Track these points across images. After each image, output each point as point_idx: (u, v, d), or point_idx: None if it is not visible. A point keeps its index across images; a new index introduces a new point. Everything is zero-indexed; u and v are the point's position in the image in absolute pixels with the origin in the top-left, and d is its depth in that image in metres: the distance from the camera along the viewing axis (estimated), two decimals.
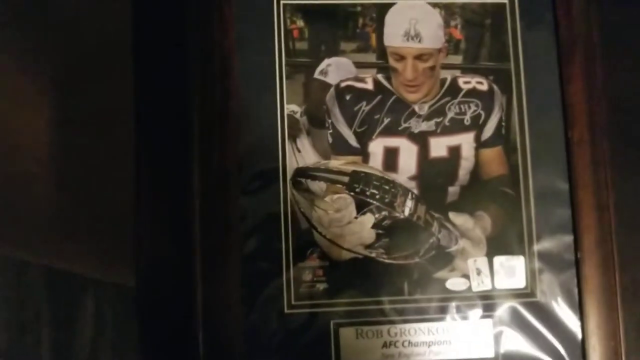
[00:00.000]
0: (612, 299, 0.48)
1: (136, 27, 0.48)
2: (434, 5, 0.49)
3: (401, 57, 0.49)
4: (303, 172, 0.48)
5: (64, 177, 0.52)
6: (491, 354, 0.47)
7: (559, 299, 0.48)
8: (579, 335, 0.47)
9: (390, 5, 0.49)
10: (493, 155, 0.49)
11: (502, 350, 0.47)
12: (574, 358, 0.47)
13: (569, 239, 0.48)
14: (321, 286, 0.46)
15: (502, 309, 0.47)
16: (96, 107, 0.50)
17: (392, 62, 0.49)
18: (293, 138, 0.48)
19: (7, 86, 0.48)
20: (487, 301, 0.47)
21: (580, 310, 0.48)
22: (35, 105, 0.49)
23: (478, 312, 0.47)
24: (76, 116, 0.50)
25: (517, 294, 0.48)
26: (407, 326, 0.46)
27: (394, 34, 0.49)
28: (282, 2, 0.48)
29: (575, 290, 0.48)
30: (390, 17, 0.49)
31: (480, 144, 0.49)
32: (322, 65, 0.48)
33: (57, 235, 0.52)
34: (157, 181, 0.48)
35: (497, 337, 0.47)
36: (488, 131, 0.49)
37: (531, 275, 0.48)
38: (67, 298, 0.52)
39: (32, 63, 0.49)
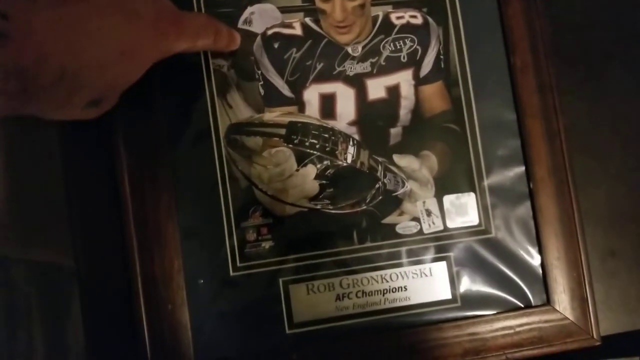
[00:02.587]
0: (571, 227, 0.42)
1: None
2: None
3: None
4: (237, 129, 0.41)
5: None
6: (449, 296, 0.41)
7: (516, 233, 0.42)
8: (540, 269, 0.42)
9: None
10: (434, 91, 0.43)
11: (460, 291, 0.41)
12: (536, 292, 0.42)
13: (520, 170, 0.42)
14: (267, 244, 0.40)
15: (457, 249, 0.42)
16: None
17: (319, 3, 0.42)
18: (222, 94, 0.41)
19: None
20: (440, 242, 0.42)
21: (538, 242, 0.42)
22: None
23: (432, 254, 0.41)
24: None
25: (470, 232, 0.42)
26: (360, 276, 0.41)
27: None
28: None
29: (532, 223, 0.42)
30: None
31: (419, 81, 0.43)
32: (246, 14, 0.42)
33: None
34: (84, 156, 0.41)
35: (454, 278, 0.41)
36: (426, 66, 0.43)
37: (484, 212, 0.42)
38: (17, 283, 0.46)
39: None
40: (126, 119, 0.40)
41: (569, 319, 0.42)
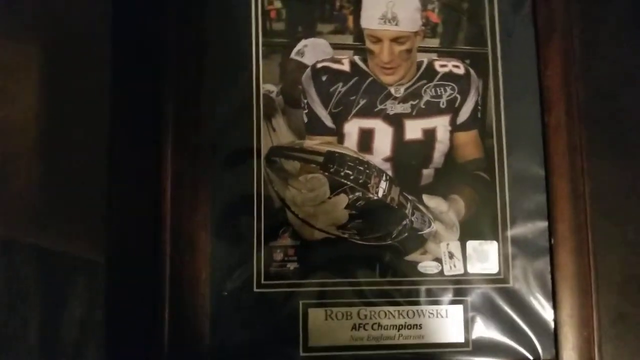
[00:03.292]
0: (586, 286, 0.42)
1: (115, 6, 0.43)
2: None
3: (378, 40, 0.43)
4: (278, 151, 0.42)
5: (45, 160, 0.47)
6: (461, 339, 0.41)
7: (532, 286, 0.42)
8: (552, 324, 0.42)
9: None
10: (468, 139, 0.44)
11: (473, 336, 0.41)
12: (546, 347, 0.42)
13: (543, 225, 0.43)
14: (292, 266, 0.41)
15: (474, 294, 0.42)
16: (75, 97, 0.45)
17: (368, 44, 0.43)
18: (268, 117, 0.42)
19: None
20: (459, 286, 0.42)
21: (553, 297, 0.42)
22: (25, 102, 0.44)
23: (449, 296, 0.41)
24: (56, 106, 0.45)
25: (489, 279, 0.42)
26: (377, 309, 0.41)
27: (371, 17, 0.44)
28: None
29: (549, 277, 0.42)
30: (367, 0, 0.44)
31: (455, 127, 0.44)
32: (299, 46, 0.43)
33: (41, 215, 0.46)
34: (130, 162, 0.42)
35: (468, 323, 0.41)
36: (464, 114, 0.44)
37: (504, 261, 0.42)
38: (51, 276, 0.46)
39: (22, 61, 0.44)
40: (175, 131, 0.42)
41: None
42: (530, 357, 0.42)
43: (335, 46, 0.44)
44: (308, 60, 0.44)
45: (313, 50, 0.44)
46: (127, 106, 0.43)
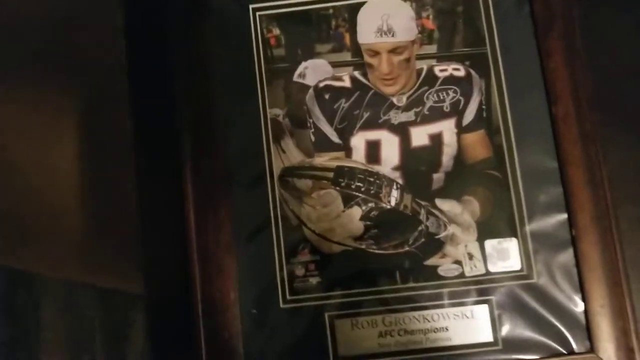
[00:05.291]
0: (615, 275, 0.40)
1: (130, 48, 0.44)
2: None
3: (376, 53, 0.43)
4: (289, 172, 0.43)
5: (80, 200, 0.49)
6: (490, 339, 0.39)
7: (558, 280, 0.40)
8: (583, 316, 0.40)
9: (361, 4, 0.44)
10: (476, 139, 0.42)
11: (502, 334, 0.40)
12: (579, 340, 0.40)
13: (562, 217, 0.41)
14: (314, 280, 0.41)
15: (498, 293, 0.40)
16: (97, 134, 0.47)
17: (367, 58, 0.43)
18: (277, 140, 0.43)
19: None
20: (482, 285, 0.41)
21: (581, 289, 0.40)
22: (50, 139, 0.46)
23: (473, 297, 0.40)
24: (86, 143, 0.48)
25: (512, 277, 0.41)
26: (402, 315, 0.40)
27: (367, 31, 0.43)
28: (257, 13, 0.44)
29: (575, 270, 0.40)
30: (362, 16, 0.44)
31: (461, 129, 0.43)
32: (300, 69, 0.44)
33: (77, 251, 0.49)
34: (155, 195, 0.44)
35: (496, 322, 0.40)
36: (469, 116, 0.43)
37: (526, 257, 0.41)
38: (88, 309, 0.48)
39: (47, 103, 0.47)
40: (193, 163, 0.43)
41: None
42: (564, 351, 0.40)
43: (335, 64, 0.44)
44: (310, 81, 0.44)
45: (314, 71, 0.44)
46: (148, 146, 0.45)
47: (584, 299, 0.40)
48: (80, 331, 0.46)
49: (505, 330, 0.40)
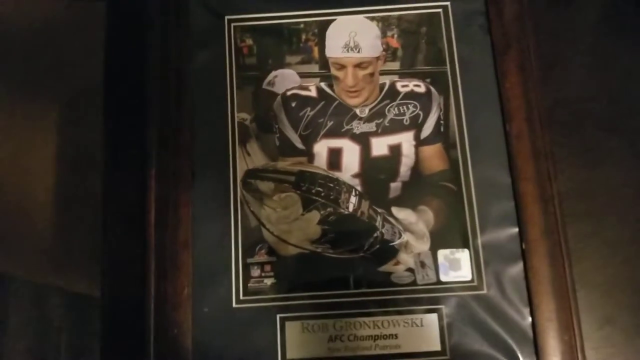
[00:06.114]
0: (563, 290, 0.40)
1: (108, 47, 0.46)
2: (372, 18, 0.46)
3: (342, 66, 0.45)
4: (252, 174, 0.44)
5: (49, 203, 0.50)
6: (438, 348, 0.39)
7: (508, 292, 0.41)
8: (530, 330, 0.40)
9: (331, 21, 0.46)
10: (433, 152, 0.44)
11: (450, 344, 0.40)
12: (526, 353, 0.40)
13: (513, 230, 0.42)
14: (269, 281, 0.41)
15: (449, 303, 0.40)
16: (71, 136, 0.49)
17: (333, 71, 0.45)
18: (243, 142, 0.44)
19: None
20: (433, 294, 0.41)
21: (530, 302, 0.40)
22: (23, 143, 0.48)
23: (424, 305, 0.40)
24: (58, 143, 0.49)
25: (463, 287, 0.41)
26: (353, 320, 0.40)
27: (334, 46, 0.45)
28: (232, 24, 0.46)
29: (524, 283, 0.40)
30: (331, 31, 0.46)
31: (420, 142, 0.44)
32: (270, 77, 0.45)
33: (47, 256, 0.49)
34: (120, 195, 0.44)
35: (445, 331, 0.40)
36: (427, 129, 0.44)
37: (477, 268, 0.41)
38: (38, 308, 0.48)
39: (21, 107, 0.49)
40: (158, 159, 0.43)
41: None
42: None
43: (303, 75, 0.46)
44: (278, 89, 0.46)
45: (282, 80, 0.46)
46: (117, 140, 0.46)
47: (531, 312, 0.40)
48: (41, 326, 0.46)
49: (453, 340, 0.40)
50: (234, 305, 0.41)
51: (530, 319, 0.40)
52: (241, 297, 0.42)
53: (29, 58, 0.51)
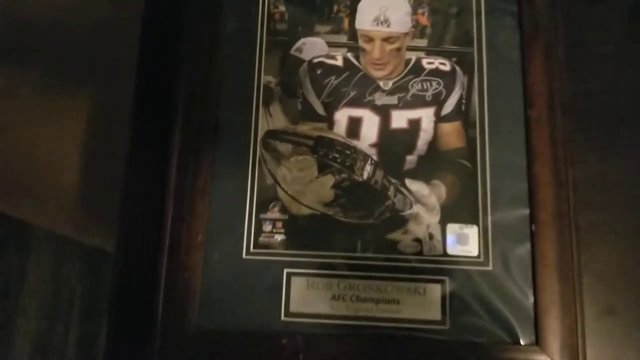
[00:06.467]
0: (569, 275, 0.41)
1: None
2: None
3: (370, 39, 0.46)
4: (273, 134, 0.45)
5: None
6: (438, 317, 0.40)
7: (513, 271, 0.41)
8: (532, 310, 0.40)
9: None
10: (452, 129, 0.44)
11: (450, 315, 0.40)
12: (526, 332, 0.40)
13: (524, 212, 0.42)
14: (279, 237, 0.42)
15: (453, 275, 0.41)
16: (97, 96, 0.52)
17: (361, 43, 0.46)
18: (266, 104, 0.46)
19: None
20: (438, 265, 0.42)
21: (534, 283, 0.40)
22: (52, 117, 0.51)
23: (428, 275, 0.41)
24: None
25: (468, 262, 0.41)
26: (357, 282, 0.41)
27: (365, 19, 0.46)
28: None
29: (530, 264, 0.41)
30: (363, 4, 0.47)
31: (439, 118, 0.44)
32: (298, 44, 0.47)
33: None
34: (145, 143, 0.46)
35: (446, 302, 0.40)
36: (448, 107, 0.45)
37: (484, 245, 0.42)
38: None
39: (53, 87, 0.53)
40: (184, 110, 0.45)
41: None
42: (509, 340, 0.40)
43: (331, 44, 0.47)
44: (305, 56, 0.47)
45: (310, 48, 0.47)
46: (146, 94, 0.47)
47: (535, 293, 0.41)
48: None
49: (454, 311, 0.41)
50: (244, 256, 0.43)
51: (532, 299, 0.41)
52: (252, 249, 0.43)
53: (62, 21, 0.54)
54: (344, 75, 0.46)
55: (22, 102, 0.53)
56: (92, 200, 0.52)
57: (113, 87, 0.53)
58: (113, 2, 0.55)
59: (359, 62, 0.47)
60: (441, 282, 0.41)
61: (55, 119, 0.53)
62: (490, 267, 0.42)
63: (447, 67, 0.46)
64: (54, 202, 0.52)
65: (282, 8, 0.48)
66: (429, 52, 0.47)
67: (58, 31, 0.54)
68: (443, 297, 0.41)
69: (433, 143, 0.45)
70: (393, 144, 0.45)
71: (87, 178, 0.52)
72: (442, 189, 0.44)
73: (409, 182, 0.44)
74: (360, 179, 0.44)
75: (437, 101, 0.46)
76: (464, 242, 0.42)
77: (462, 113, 0.45)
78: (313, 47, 0.47)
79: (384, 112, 0.45)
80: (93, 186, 0.52)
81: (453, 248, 0.42)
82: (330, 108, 0.46)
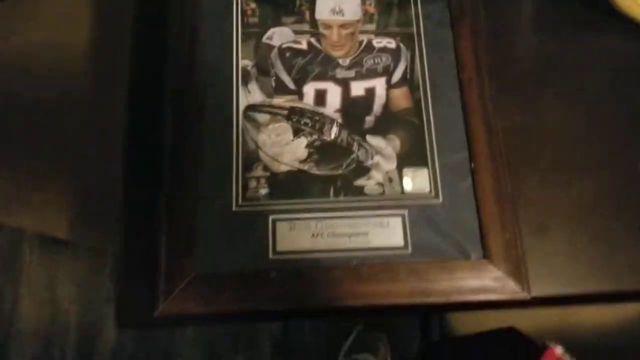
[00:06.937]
0: (505, 199, 0.49)
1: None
2: None
3: (328, 26, 0.55)
4: (252, 107, 0.53)
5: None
6: (401, 244, 0.47)
7: (459, 201, 0.50)
8: (478, 230, 0.48)
9: None
10: (400, 94, 0.53)
11: (411, 240, 0.48)
12: (475, 249, 0.48)
13: (465, 154, 0.51)
14: (263, 191, 0.50)
15: (411, 208, 0.49)
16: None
17: (322, 29, 0.55)
18: (245, 83, 0.53)
19: None
20: (398, 201, 0.49)
21: (477, 209, 0.49)
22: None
23: (390, 211, 0.49)
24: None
25: (422, 197, 0.50)
26: (331, 221, 0.49)
27: (323, 10, 0.56)
28: None
29: (472, 194, 0.49)
30: None
31: (390, 86, 0.53)
32: (269, 33, 0.55)
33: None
34: (140, 120, 0.53)
35: (407, 231, 0.48)
36: (396, 76, 0.54)
37: (434, 183, 0.50)
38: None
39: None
40: (173, 94, 0.52)
41: (502, 273, 0.47)
42: (462, 257, 0.48)
43: (296, 32, 0.56)
44: (275, 42, 0.56)
45: (279, 35, 0.56)
46: (138, 77, 0.54)
47: (479, 217, 0.49)
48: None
49: (414, 237, 0.49)
50: (233, 209, 0.50)
51: (477, 223, 0.49)
52: (240, 202, 0.50)
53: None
54: (309, 56, 0.55)
55: None
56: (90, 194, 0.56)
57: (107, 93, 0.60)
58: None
59: (321, 45, 0.56)
60: (402, 215, 0.49)
61: None
62: (440, 200, 0.50)
63: (393, 45, 0.56)
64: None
65: (253, 5, 0.57)
66: (378, 34, 0.56)
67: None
68: (404, 227, 0.49)
69: (386, 106, 0.54)
70: (354, 109, 0.53)
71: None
72: (396, 142, 0.52)
73: (369, 138, 0.52)
74: (329, 139, 0.52)
75: (387, 72, 0.55)
76: (417, 182, 0.51)
77: (407, 80, 0.55)
78: (281, 35, 0.56)
79: (344, 84, 0.54)
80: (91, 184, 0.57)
81: (409, 188, 0.50)
82: (299, 83, 0.54)
